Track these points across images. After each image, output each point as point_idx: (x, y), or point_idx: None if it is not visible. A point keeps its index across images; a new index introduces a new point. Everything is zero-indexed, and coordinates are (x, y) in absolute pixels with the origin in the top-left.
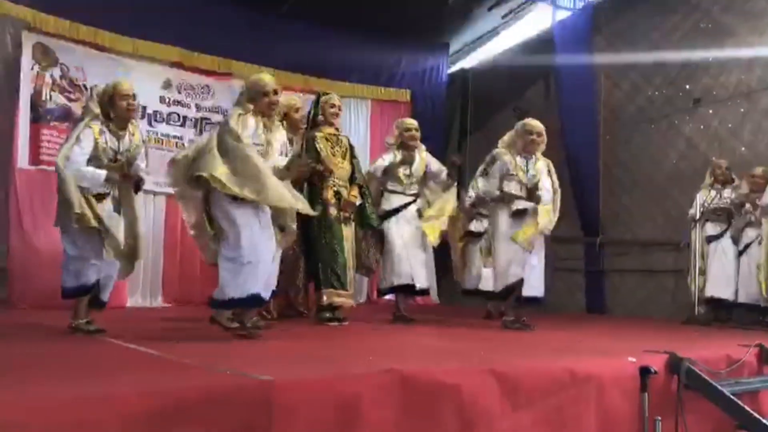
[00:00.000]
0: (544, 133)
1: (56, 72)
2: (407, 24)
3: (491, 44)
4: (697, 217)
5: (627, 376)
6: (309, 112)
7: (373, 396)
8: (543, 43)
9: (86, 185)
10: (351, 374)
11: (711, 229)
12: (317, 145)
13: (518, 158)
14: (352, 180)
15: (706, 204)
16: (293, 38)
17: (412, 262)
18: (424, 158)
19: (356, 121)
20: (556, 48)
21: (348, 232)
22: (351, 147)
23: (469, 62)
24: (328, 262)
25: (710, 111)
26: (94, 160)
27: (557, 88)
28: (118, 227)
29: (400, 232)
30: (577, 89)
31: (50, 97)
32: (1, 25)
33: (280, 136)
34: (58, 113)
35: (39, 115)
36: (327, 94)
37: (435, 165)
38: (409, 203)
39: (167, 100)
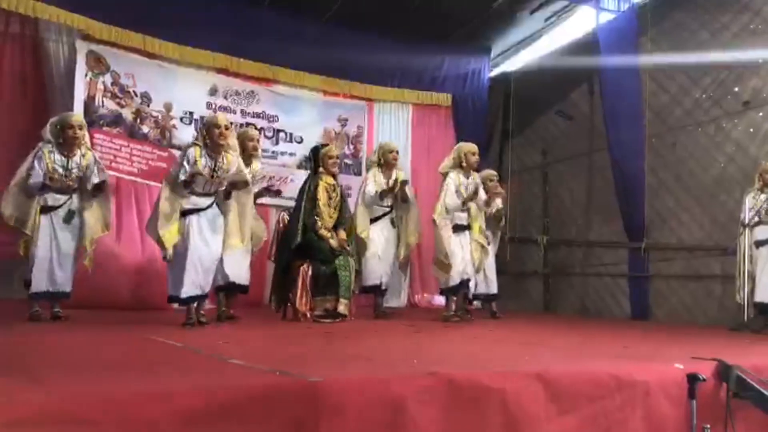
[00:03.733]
0: (477, 152)
1: (108, 79)
2: (449, 28)
3: (534, 47)
4: (746, 221)
5: (674, 383)
6: (309, 159)
7: (419, 398)
8: (587, 45)
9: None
10: (397, 376)
11: (760, 233)
12: (318, 194)
13: (461, 176)
14: (339, 221)
15: (754, 208)
16: (336, 44)
17: (383, 267)
18: (399, 177)
19: (397, 125)
20: (600, 50)
21: (350, 259)
22: (343, 195)
23: (511, 65)
24: (319, 278)
25: (760, 114)
26: (45, 175)
27: (601, 91)
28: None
29: (376, 241)
30: (621, 92)
31: (102, 103)
32: (58, 33)
33: (227, 164)
34: (110, 118)
35: (92, 120)
36: (326, 145)
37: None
38: (386, 213)
39: (213, 105)
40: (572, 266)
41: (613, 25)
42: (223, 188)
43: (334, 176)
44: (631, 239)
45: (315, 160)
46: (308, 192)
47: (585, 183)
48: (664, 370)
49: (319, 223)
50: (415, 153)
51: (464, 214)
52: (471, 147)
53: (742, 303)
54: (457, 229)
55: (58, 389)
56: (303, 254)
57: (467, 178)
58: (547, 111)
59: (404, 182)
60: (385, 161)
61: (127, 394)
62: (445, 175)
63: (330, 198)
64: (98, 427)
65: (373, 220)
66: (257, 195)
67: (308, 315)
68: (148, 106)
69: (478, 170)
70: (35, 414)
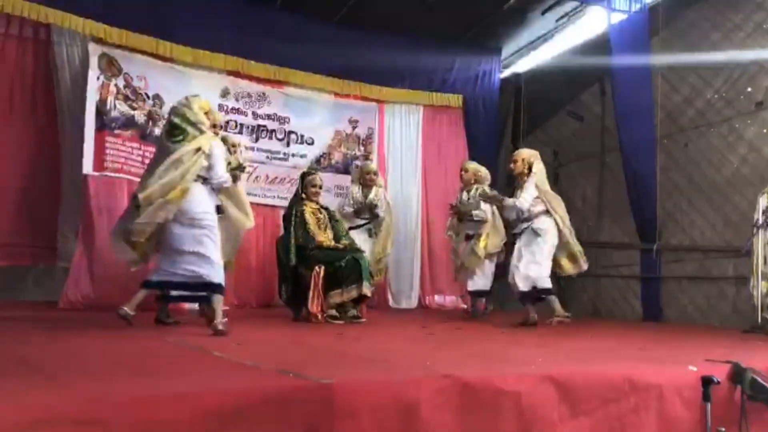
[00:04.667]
0: (468, 169)
1: (120, 81)
2: (460, 29)
3: (545, 48)
4: (760, 222)
5: (688, 386)
6: (297, 186)
7: (432, 400)
8: (598, 46)
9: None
10: (410, 378)
11: None
12: (306, 218)
13: (463, 192)
14: (337, 237)
15: None
16: (347, 45)
17: None
18: (378, 194)
19: (408, 126)
20: (612, 51)
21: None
22: (331, 216)
23: (522, 66)
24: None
25: None
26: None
27: (613, 92)
28: None
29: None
30: (633, 92)
31: (114, 105)
32: (70, 37)
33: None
34: (122, 121)
35: (104, 124)
36: (311, 174)
37: (378, 201)
38: (364, 224)
39: (225, 108)
40: None
41: (625, 26)
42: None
43: (316, 203)
44: (643, 240)
45: (300, 186)
46: (295, 218)
47: (596, 184)
48: (677, 372)
49: (318, 238)
50: (426, 154)
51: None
52: (462, 164)
53: (756, 305)
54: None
55: (74, 390)
56: (311, 264)
57: (468, 192)
58: (558, 112)
59: (374, 205)
60: (363, 182)
61: (142, 396)
62: None
63: (318, 220)
64: (113, 428)
65: (352, 228)
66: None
67: (320, 317)
68: (161, 108)
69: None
70: (51, 415)
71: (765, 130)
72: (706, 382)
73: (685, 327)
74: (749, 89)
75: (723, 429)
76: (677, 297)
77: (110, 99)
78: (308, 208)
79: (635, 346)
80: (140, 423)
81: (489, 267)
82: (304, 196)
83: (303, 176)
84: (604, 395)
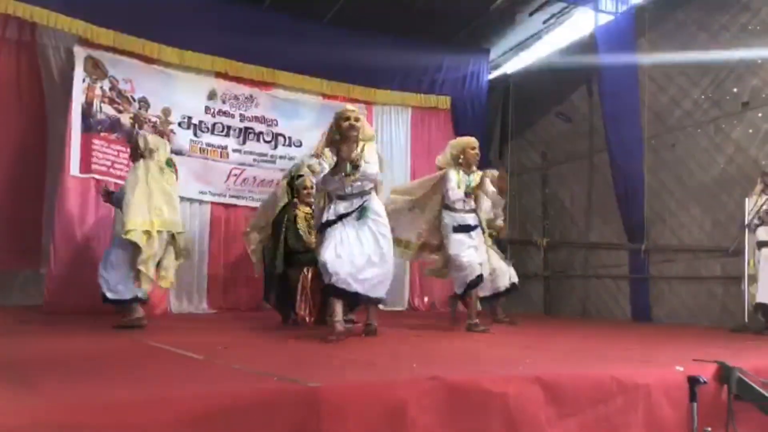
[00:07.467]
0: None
1: (106, 84)
2: (448, 30)
3: (533, 49)
4: (747, 222)
5: (675, 386)
6: (284, 191)
7: (419, 403)
8: (585, 47)
9: None
10: (397, 381)
11: (763, 234)
12: (298, 224)
13: (461, 173)
14: None
15: (755, 209)
16: (335, 46)
17: None
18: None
19: (397, 127)
20: (599, 52)
21: None
22: None
23: (510, 67)
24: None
25: (759, 114)
26: None
27: (600, 93)
28: None
29: None
30: (620, 93)
31: (100, 108)
32: (56, 38)
33: None
34: (108, 124)
35: (89, 126)
36: (301, 176)
37: None
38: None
39: (212, 110)
40: (573, 268)
41: (612, 27)
42: None
43: (309, 205)
44: (632, 241)
45: (292, 189)
46: (287, 221)
47: (585, 185)
48: (665, 372)
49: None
50: (415, 156)
51: (471, 215)
52: (472, 140)
53: (745, 305)
54: (461, 229)
55: (57, 396)
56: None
57: (468, 176)
58: (546, 113)
59: None
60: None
61: (127, 400)
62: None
63: (309, 225)
64: None
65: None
66: None
67: (308, 320)
68: (147, 111)
69: (479, 167)
70: (34, 421)
71: (751, 131)
72: (693, 382)
73: (673, 327)
74: (735, 90)
75: (709, 429)
76: (666, 297)
77: (96, 102)
78: (301, 212)
79: (623, 346)
80: (124, 427)
81: None
82: (296, 200)
83: (291, 180)
84: (591, 396)
